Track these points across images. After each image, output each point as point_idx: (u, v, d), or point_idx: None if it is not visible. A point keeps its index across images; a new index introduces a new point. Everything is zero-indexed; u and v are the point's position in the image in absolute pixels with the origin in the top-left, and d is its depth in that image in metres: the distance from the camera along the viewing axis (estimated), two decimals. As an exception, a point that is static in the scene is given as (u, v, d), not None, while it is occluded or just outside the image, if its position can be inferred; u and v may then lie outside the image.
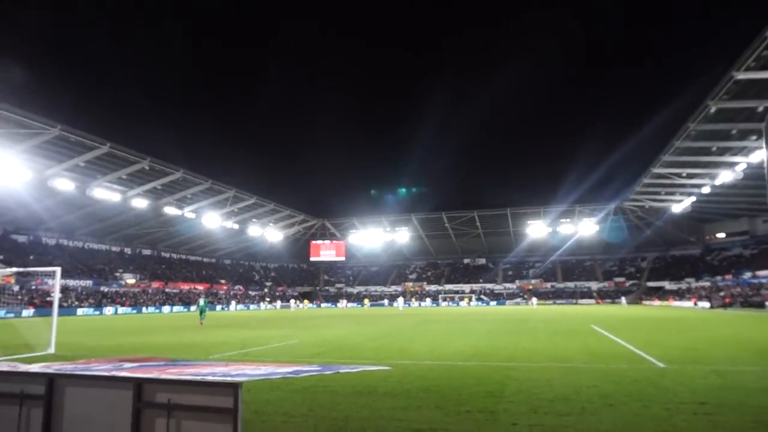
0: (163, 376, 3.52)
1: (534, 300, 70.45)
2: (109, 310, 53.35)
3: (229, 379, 3.20)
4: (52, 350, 13.38)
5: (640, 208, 72.96)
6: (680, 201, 61.68)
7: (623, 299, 68.23)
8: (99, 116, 68.18)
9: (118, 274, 63.75)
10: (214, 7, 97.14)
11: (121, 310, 54.86)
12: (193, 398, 3.19)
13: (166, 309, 60.20)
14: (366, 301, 77.71)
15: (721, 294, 54.49)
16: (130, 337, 19.65)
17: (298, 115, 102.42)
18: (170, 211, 62.08)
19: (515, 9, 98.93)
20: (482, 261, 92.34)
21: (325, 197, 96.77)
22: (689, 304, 57.04)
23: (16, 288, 48.13)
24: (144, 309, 57.83)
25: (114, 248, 69.27)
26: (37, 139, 40.32)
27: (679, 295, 64.82)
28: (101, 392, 3.49)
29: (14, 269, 30.88)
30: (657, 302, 66.45)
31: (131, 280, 63.91)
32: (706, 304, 52.65)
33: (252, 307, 73.52)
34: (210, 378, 3.36)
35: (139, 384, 3.35)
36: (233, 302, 71.02)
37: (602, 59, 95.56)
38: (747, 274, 57.18)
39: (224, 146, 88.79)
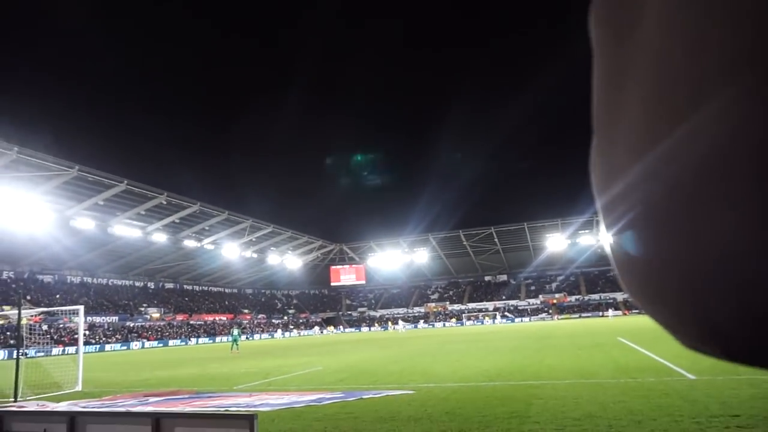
0: (181, 410, 3.62)
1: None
2: (136, 345, 53.81)
3: (250, 409, 3.27)
4: (79, 387, 13.57)
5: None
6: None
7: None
8: (115, 153, 69.86)
9: (142, 309, 64.49)
10: (229, 37, 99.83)
11: (147, 344, 55.30)
12: (211, 431, 3.26)
13: (192, 341, 60.53)
14: (400, 322, 70.10)
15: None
16: (156, 371, 19.81)
17: (312, 142, 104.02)
18: (189, 243, 62.86)
19: (540, 19, 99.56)
20: (503, 277, 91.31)
21: (341, 222, 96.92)
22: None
23: (45, 327, 48.92)
24: (170, 342, 58.23)
25: (137, 283, 70.20)
26: (56, 181, 41.43)
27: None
28: (121, 428, 3.59)
29: (40, 309, 31.49)
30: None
31: (156, 314, 64.58)
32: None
33: (276, 335, 73.53)
34: (227, 410, 3.45)
35: (157, 419, 3.44)
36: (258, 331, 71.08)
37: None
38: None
39: (240, 177, 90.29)
